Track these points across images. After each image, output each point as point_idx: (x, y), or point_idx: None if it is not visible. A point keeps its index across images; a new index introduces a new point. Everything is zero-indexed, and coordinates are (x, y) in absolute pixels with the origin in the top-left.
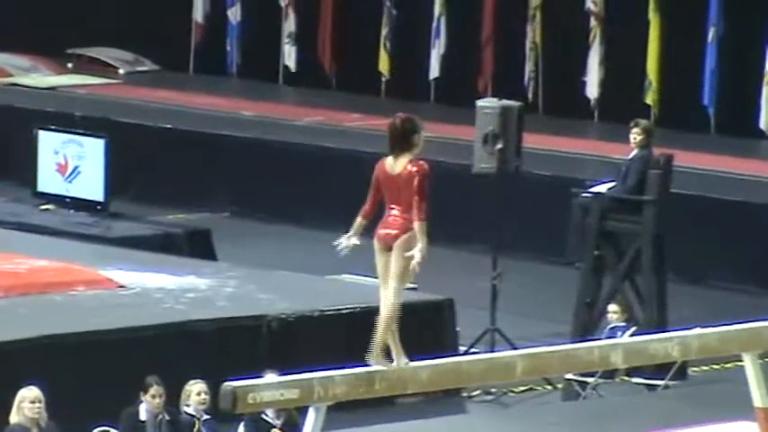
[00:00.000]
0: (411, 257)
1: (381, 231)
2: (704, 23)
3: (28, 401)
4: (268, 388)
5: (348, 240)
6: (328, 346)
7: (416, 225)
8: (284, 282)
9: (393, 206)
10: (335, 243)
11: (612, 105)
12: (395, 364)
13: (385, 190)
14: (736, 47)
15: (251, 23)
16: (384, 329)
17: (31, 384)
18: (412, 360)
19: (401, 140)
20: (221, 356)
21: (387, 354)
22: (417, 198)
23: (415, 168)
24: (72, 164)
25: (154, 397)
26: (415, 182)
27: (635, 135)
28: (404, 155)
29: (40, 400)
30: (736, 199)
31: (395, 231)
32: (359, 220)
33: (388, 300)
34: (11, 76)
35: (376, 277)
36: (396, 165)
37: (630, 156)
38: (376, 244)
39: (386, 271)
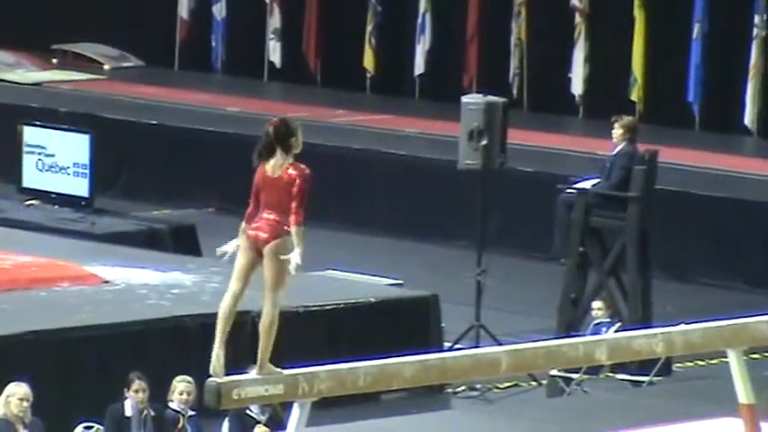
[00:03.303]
0: (287, 262)
1: (251, 231)
2: (689, 20)
3: (17, 398)
4: (252, 384)
5: (229, 246)
6: (312, 342)
7: (294, 230)
8: None
9: (269, 211)
10: (218, 250)
11: (597, 102)
12: (254, 371)
13: (263, 194)
14: (720, 43)
15: (236, 19)
16: (266, 339)
17: (19, 380)
18: (397, 355)
19: (278, 144)
20: (206, 352)
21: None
22: (296, 203)
23: (296, 172)
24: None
25: (137, 392)
26: (296, 186)
27: (615, 130)
28: (283, 158)
29: (29, 399)
30: (720, 195)
31: (265, 235)
32: (243, 225)
33: (266, 309)
34: None
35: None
36: (276, 169)
37: (615, 152)
38: (243, 240)
39: (245, 269)
